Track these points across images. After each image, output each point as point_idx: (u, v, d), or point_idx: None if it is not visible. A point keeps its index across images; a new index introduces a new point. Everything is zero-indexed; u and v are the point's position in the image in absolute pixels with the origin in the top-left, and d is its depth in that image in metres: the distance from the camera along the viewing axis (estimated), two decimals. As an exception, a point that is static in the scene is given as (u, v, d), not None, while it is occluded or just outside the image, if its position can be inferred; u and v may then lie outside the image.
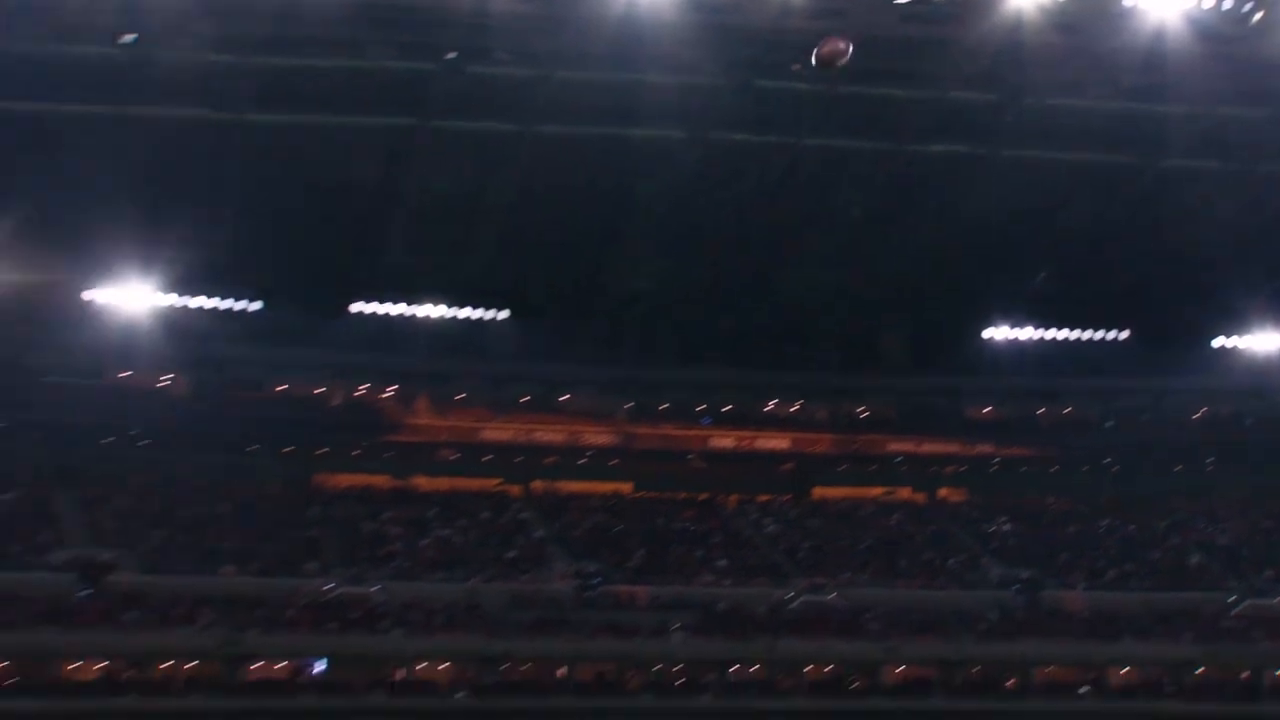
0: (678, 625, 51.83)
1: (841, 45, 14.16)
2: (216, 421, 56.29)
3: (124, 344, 52.45)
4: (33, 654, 45.71)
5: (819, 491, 63.44)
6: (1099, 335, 63.68)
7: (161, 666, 47.37)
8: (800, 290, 57.50)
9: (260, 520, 54.76)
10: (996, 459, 64.28)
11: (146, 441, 55.82)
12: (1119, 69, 44.85)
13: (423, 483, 60.25)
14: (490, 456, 61.27)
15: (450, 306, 58.78)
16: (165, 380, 56.65)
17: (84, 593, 48.35)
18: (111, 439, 55.09)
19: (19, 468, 52.77)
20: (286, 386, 58.87)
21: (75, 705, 45.70)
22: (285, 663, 49.17)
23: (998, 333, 63.04)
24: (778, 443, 63.78)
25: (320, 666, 49.61)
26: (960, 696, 51.10)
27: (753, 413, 64.01)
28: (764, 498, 62.42)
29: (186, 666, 47.66)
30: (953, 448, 64.49)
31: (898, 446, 64.16)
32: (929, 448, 64.17)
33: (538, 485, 61.43)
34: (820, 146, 49.42)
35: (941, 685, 51.43)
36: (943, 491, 64.86)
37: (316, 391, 59.51)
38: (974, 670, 51.87)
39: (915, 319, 61.32)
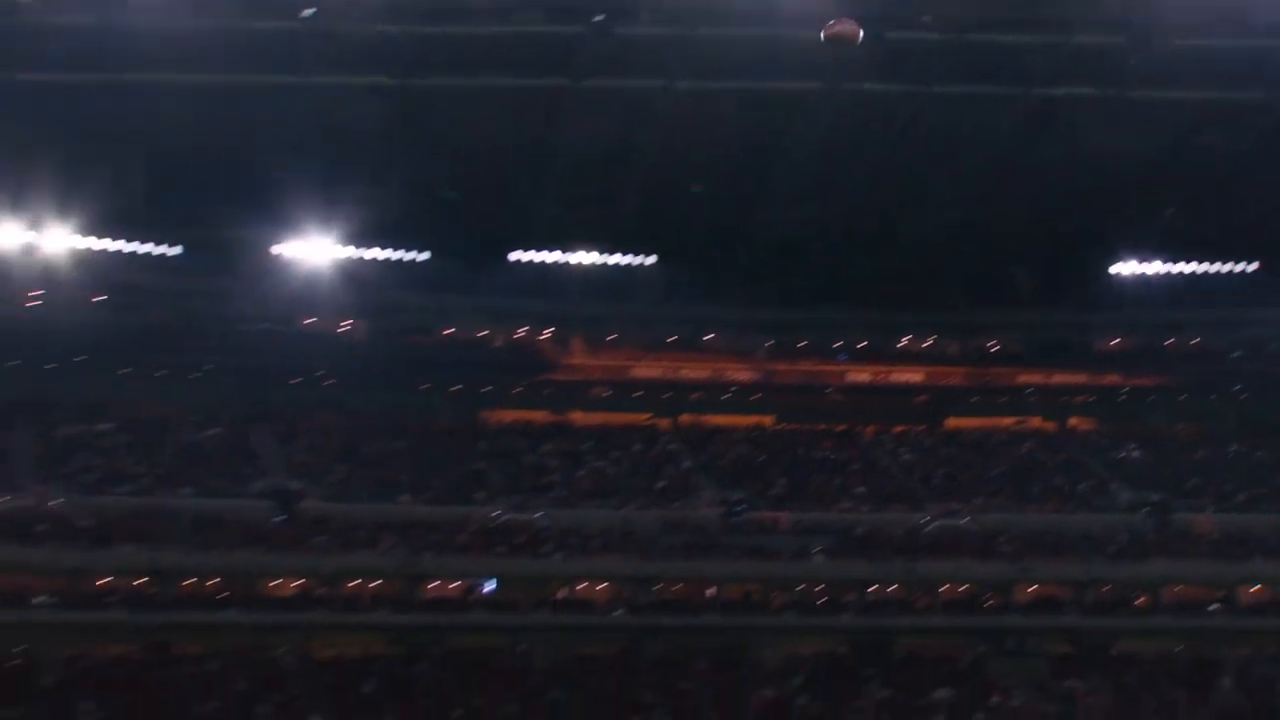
0: (818, 549, 52.33)
1: (850, 27, 13.19)
2: (391, 363, 57.73)
3: (309, 293, 54.01)
4: (238, 572, 48.25)
5: (952, 422, 63.49)
6: (1226, 268, 62.36)
7: (349, 585, 49.44)
8: (931, 231, 57.09)
9: (432, 453, 56.32)
10: (1125, 389, 63.79)
11: (330, 382, 57.57)
12: (1247, 6, 43.94)
13: (578, 418, 61.26)
14: (640, 393, 62.13)
15: (601, 254, 59.49)
16: (345, 326, 58.23)
17: (279, 519, 50.59)
18: (300, 380, 56.88)
19: (221, 407, 55.15)
20: (452, 330, 60.01)
21: (276, 618, 48.16)
22: (458, 582, 51.00)
23: (1125, 267, 62.36)
24: (912, 376, 64.00)
25: (490, 586, 51.35)
26: (1092, 614, 51.40)
27: (887, 349, 64.04)
28: (899, 428, 62.64)
29: (371, 585, 49.72)
30: (1082, 379, 63.96)
31: (1028, 378, 63.78)
32: (1059, 379, 63.71)
33: (685, 419, 62.07)
34: (948, 94, 49.09)
35: (1074, 603, 51.58)
36: (1073, 421, 64.50)
37: (480, 335, 60.59)
38: (1105, 589, 51.92)
39: (1044, 256, 60.65)
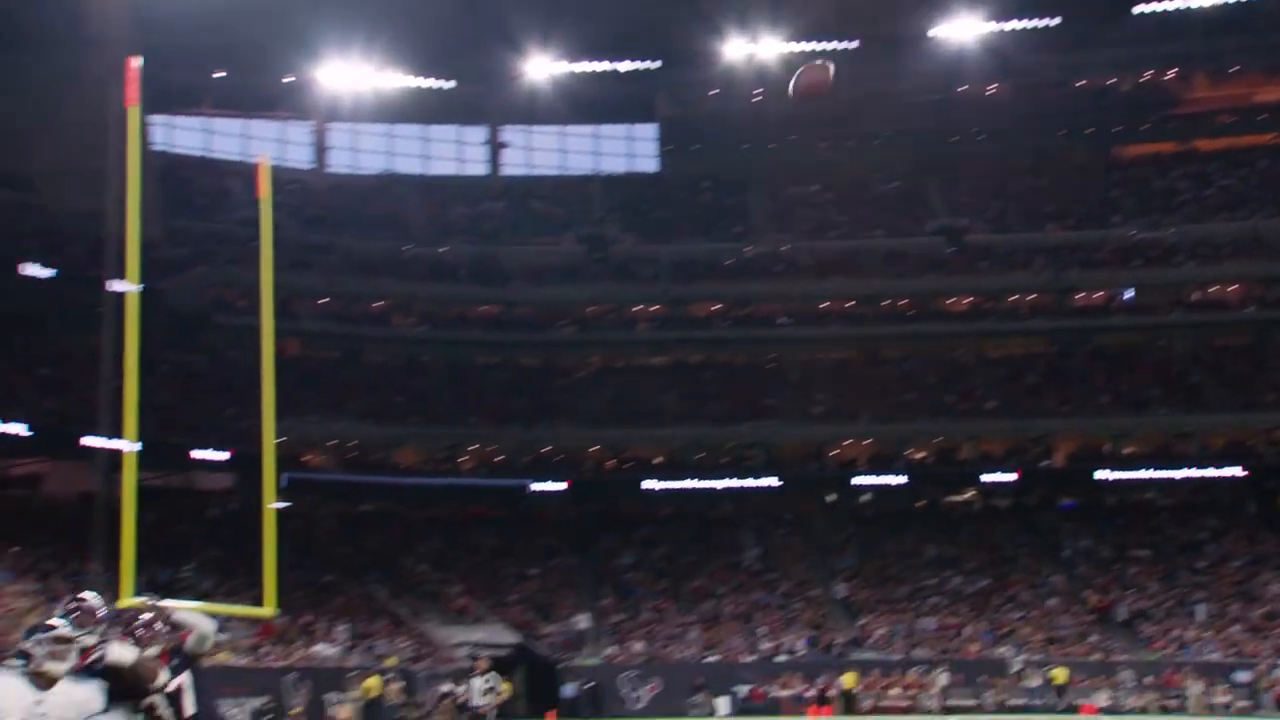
0: None
1: (822, 77, 9.82)
2: (1033, 116, 57.58)
3: (962, 65, 54.49)
4: (922, 293, 52.76)
5: None
6: None
7: (1009, 299, 52.51)
8: None
9: (1073, 187, 56.90)
10: None
11: (983, 136, 58.43)
12: None
13: (1203, 145, 58.31)
14: (1264, 115, 57.67)
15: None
16: (992, 89, 58.69)
17: (950, 250, 53.73)
18: (957, 138, 58.30)
19: (899, 165, 57.56)
20: (1085, 82, 58.51)
21: (954, 327, 52.27)
22: (1100, 293, 52.55)
23: None
24: None
25: (1129, 294, 52.39)
26: None
27: None
28: None
29: (1027, 299, 52.50)
30: None
31: None
32: None
33: (1310, 134, 56.72)
34: None
35: None
36: None
37: (1109, 82, 58.66)
38: None
39: None
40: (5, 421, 34.60)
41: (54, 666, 6.16)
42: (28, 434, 35.14)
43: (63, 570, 30.51)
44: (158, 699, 7.65)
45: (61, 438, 35.63)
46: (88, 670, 6.71)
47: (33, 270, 39.12)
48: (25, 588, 29.15)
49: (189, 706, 7.86)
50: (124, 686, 7.03)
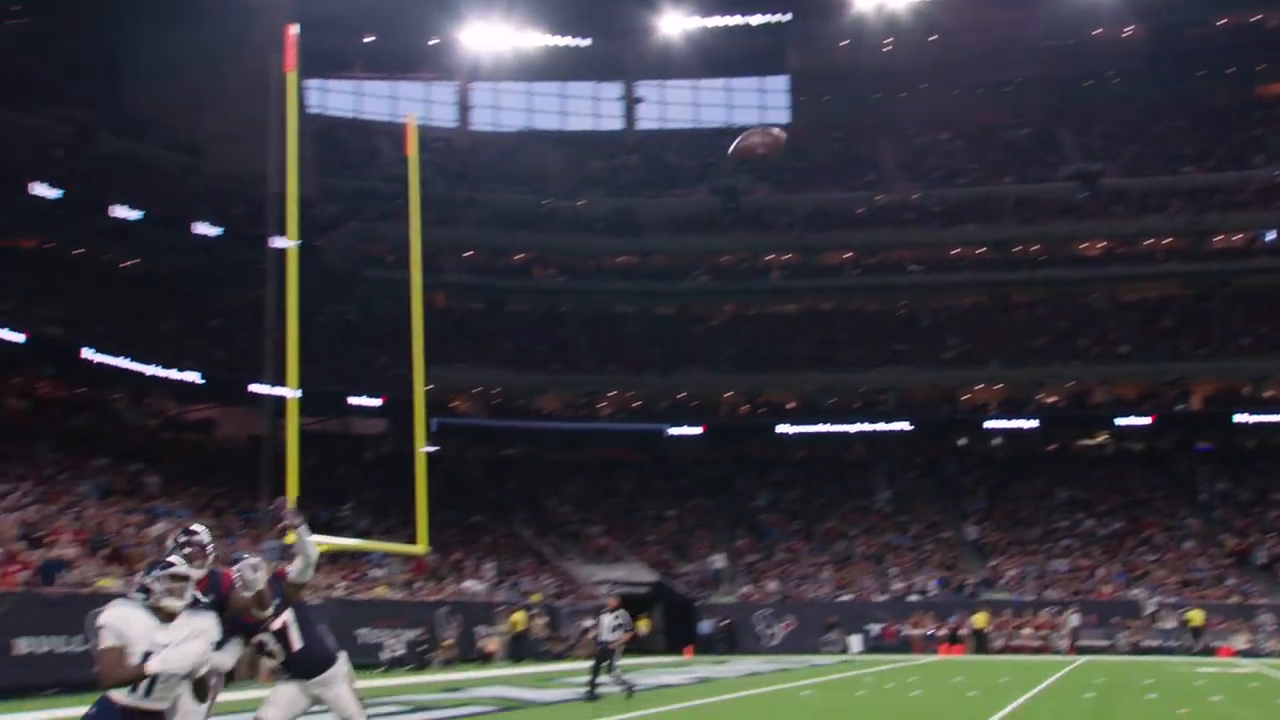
0: None
1: (759, 139, 9.64)
2: (1171, 57, 55.20)
3: (1095, 6, 51.96)
4: (1055, 238, 50.74)
5: None
6: None
7: (1144, 243, 50.63)
8: None
9: (1212, 128, 54.30)
10: None
11: (1117, 80, 55.99)
12: None
13: None
14: None
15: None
16: (1128, 30, 56.07)
17: (1084, 194, 51.96)
18: (1091, 82, 56.15)
19: (1031, 110, 55.79)
20: (1226, 20, 55.27)
21: (1087, 272, 50.63)
22: (1240, 235, 50.16)
23: None
24: None
25: (1271, 235, 49.96)
26: None
27: None
28: None
29: (1163, 242, 50.58)
30: None
31: None
32: None
33: None
34: None
35: None
36: None
37: (1253, 19, 55.34)
38: None
39: None
40: (181, 370, 35.98)
41: (171, 603, 6.27)
42: (201, 381, 36.49)
43: (234, 507, 31.71)
44: (266, 636, 7.86)
45: (231, 385, 36.92)
46: (200, 603, 6.88)
47: (203, 229, 40.43)
48: (201, 524, 30.43)
49: (296, 641, 8.00)
50: (235, 619, 7.25)
